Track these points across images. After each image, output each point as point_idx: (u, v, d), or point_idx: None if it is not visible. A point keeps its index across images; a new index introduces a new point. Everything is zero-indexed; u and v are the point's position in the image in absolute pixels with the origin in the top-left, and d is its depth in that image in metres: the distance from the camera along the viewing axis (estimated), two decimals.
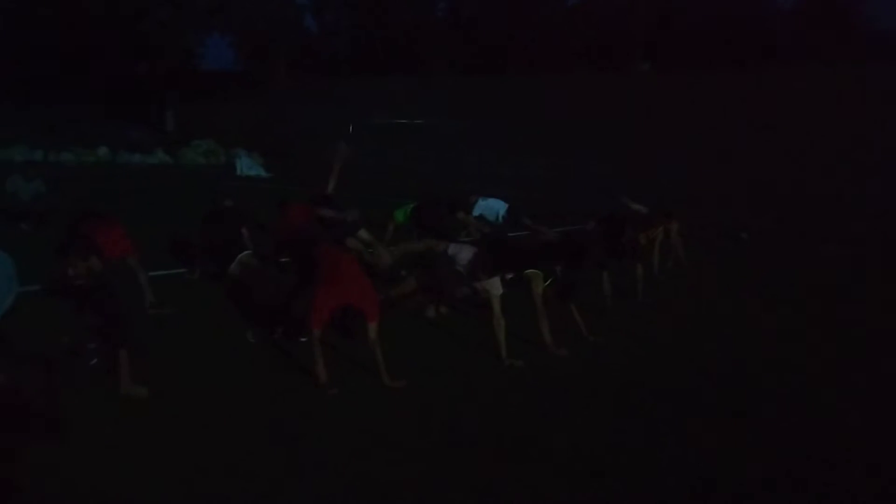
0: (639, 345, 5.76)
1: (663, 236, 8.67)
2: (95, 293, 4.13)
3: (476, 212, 10.70)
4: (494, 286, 4.95)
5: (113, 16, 26.84)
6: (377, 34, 46.59)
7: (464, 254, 5.15)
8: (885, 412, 4.56)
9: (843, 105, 25.09)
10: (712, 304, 7.39)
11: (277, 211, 7.44)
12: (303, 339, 4.84)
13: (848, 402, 4.69)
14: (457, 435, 3.87)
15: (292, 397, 4.26)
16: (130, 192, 14.76)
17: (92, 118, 28.92)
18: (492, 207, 10.87)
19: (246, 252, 6.59)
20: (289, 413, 4.04)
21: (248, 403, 4.15)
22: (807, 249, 11.30)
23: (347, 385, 4.41)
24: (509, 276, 6.82)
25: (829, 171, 19.75)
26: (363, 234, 7.94)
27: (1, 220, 9.46)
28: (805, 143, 22.26)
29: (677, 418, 4.24)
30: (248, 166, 25.91)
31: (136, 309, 5.37)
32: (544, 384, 4.73)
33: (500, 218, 10.72)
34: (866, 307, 7.52)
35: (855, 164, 20.31)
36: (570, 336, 5.63)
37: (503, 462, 3.59)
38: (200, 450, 3.54)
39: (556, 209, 11.99)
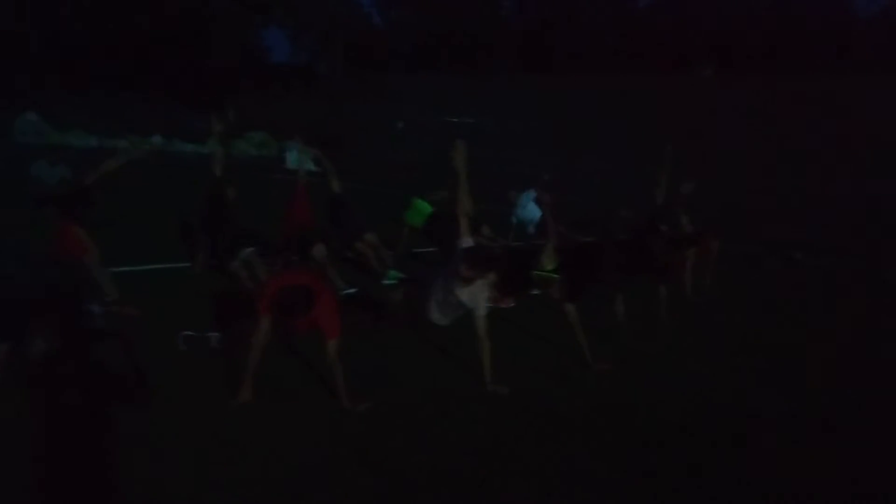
0: (645, 376, 5.11)
1: (698, 256, 7.92)
2: None
3: (518, 210, 10.21)
4: (479, 305, 4.41)
5: (175, 6, 27.32)
6: (439, 31, 46.34)
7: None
8: None
9: None
10: (744, 334, 6.62)
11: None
12: None
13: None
14: (395, 476, 3.36)
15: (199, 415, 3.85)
16: (167, 179, 14.82)
17: (156, 108, 29.62)
18: (528, 211, 10.34)
19: (249, 250, 6.26)
20: (204, 436, 3.62)
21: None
22: (873, 277, 10.27)
23: (298, 400, 4.00)
24: (511, 303, 6.33)
25: None
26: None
27: (27, 204, 9.47)
28: (884, 158, 20.72)
29: (666, 470, 3.63)
30: (297, 159, 25.98)
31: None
32: (522, 415, 4.17)
33: (533, 226, 10.19)
34: None
35: None
36: (572, 362, 5.07)
37: None
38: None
39: (605, 215, 11.22)
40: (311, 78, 38.11)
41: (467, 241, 4.54)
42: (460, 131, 29.94)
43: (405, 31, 49.53)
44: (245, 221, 6.77)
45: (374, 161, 26.63)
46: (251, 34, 34.41)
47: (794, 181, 18.50)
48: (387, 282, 7.27)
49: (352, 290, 6.14)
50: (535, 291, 5.22)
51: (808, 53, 29.14)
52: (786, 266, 10.62)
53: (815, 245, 12.12)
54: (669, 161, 7.00)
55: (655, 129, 24.63)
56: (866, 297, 8.71)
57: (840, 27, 31.32)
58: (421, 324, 4.82)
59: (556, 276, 5.09)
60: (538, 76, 33.68)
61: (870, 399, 5.00)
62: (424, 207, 8.09)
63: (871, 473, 3.84)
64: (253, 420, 3.77)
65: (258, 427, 3.70)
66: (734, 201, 15.94)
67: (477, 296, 4.41)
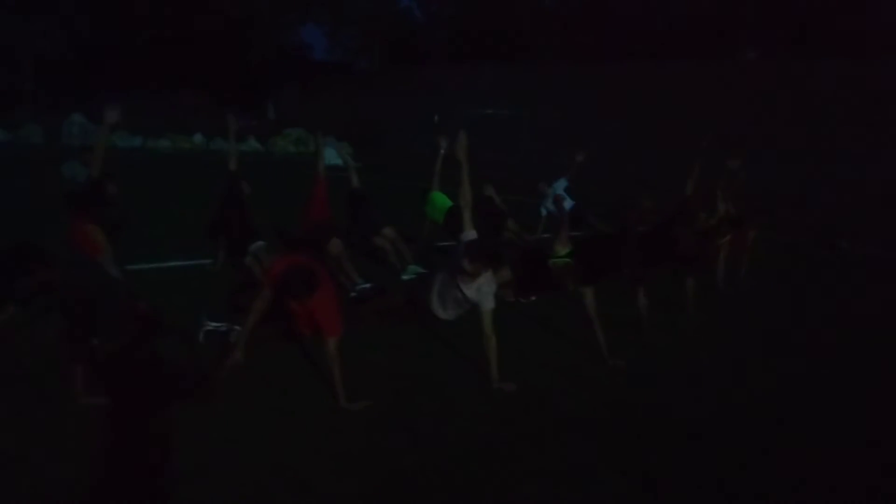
0: (664, 373, 4.90)
1: (732, 245, 7.58)
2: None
3: (547, 202, 9.99)
4: (485, 300, 4.27)
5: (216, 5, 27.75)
6: (480, 22, 46.01)
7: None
8: None
9: None
10: (776, 331, 6.28)
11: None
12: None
13: None
14: (394, 476, 3.27)
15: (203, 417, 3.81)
16: (203, 177, 15.02)
17: (199, 107, 30.17)
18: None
19: (259, 244, 6.24)
20: (202, 432, 3.58)
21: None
22: None
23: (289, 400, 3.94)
24: (532, 297, 6.16)
25: None
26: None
27: (61, 205, 9.67)
28: None
29: (680, 474, 3.44)
30: (334, 155, 26.15)
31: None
32: (527, 414, 4.02)
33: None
34: None
35: None
36: (584, 358, 4.91)
37: None
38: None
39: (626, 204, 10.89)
40: (350, 74, 38.32)
41: (470, 234, 4.41)
42: (496, 123, 29.70)
43: (445, 23, 49.29)
44: (268, 217, 6.73)
45: (411, 155, 26.65)
46: (290, 32, 34.72)
47: (830, 166, 17.73)
48: (406, 276, 7.19)
49: (367, 285, 6.06)
50: (556, 288, 5.03)
51: (844, 36, 27.94)
52: (830, 255, 10.15)
53: (861, 233, 11.56)
54: (705, 150, 6.73)
55: (693, 116, 23.96)
56: None
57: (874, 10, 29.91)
58: (427, 319, 4.70)
59: (569, 260, 4.90)
60: (578, 65, 33.05)
61: None
62: (443, 201, 7.95)
63: None
64: (252, 417, 3.73)
65: (256, 424, 3.65)
66: (771, 187, 15.32)
67: (482, 290, 4.27)
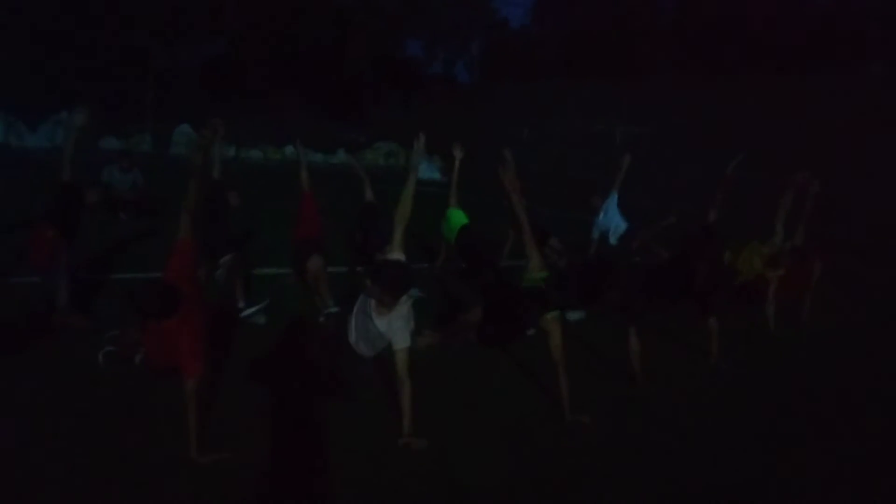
0: (630, 441, 3.91)
1: (791, 280, 6.38)
2: None
3: (601, 216, 9.03)
4: (398, 337, 3.55)
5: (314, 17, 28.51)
6: (590, 36, 44.81)
7: None
8: None
9: None
10: (817, 402, 5.02)
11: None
12: None
13: None
14: None
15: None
16: (281, 188, 15.08)
17: (296, 118, 31.07)
18: (610, 219, 9.12)
19: (227, 257, 5.81)
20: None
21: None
22: None
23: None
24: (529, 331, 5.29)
25: None
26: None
27: (102, 210, 9.83)
28: None
29: None
30: (425, 169, 26.02)
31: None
32: (423, 485, 3.25)
33: (616, 237, 8.95)
34: None
35: None
36: (546, 410, 4.06)
37: None
38: None
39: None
40: (447, 87, 38.34)
41: (394, 255, 3.71)
42: (586, 139, 28.46)
43: (549, 37, 48.47)
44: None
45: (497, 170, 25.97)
46: (388, 44, 35.17)
47: None
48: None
49: (335, 309, 5.47)
50: (530, 332, 4.15)
51: None
52: None
53: None
54: (735, 171, 5.67)
55: (822, 135, 21.75)
56: None
57: None
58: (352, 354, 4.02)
59: (542, 284, 4.04)
60: (689, 77, 31.24)
61: None
62: (458, 219, 7.23)
63: None
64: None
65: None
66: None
67: (393, 326, 3.56)
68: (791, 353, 5.82)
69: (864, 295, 8.53)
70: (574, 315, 6.17)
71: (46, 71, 26.95)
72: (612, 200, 9.08)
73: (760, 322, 6.27)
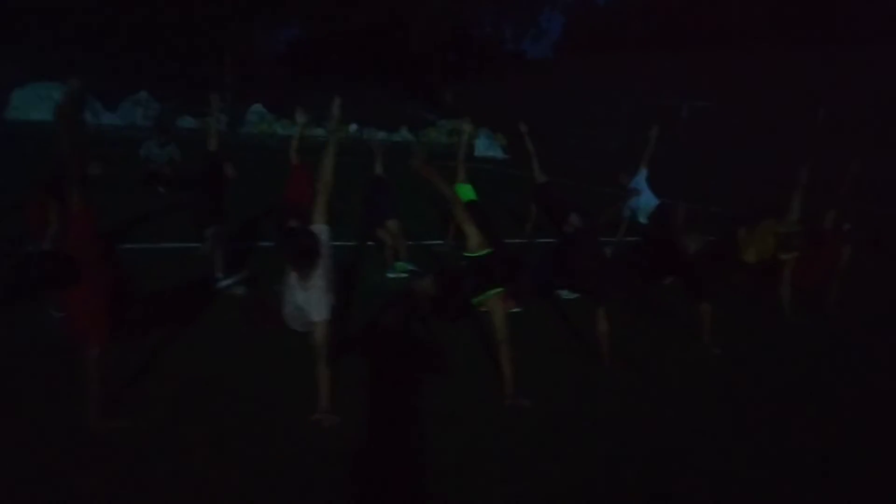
0: (573, 430, 3.67)
1: (811, 264, 5.85)
2: None
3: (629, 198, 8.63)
4: (314, 310, 3.46)
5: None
6: (672, 6, 42.84)
7: None
8: None
9: None
10: (816, 402, 4.60)
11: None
12: None
13: None
14: None
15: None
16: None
17: (363, 95, 31.34)
18: (641, 198, 8.68)
19: (214, 228, 5.84)
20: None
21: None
22: None
23: None
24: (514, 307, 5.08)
25: None
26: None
27: (142, 183, 10.21)
28: None
29: None
30: (486, 147, 25.78)
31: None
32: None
33: (646, 216, 8.52)
34: None
35: None
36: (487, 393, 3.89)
37: None
38: None
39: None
40: (521, 63, 37.65)
41: (316, 228, 3.60)
42: (656, 115, 27.17)
43: (626, 9, 46.61)
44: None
45: (571, 148, 25.39)
46: (457, 20, 34.77)
47: None
48: (392, 275, 6.48)
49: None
50: (484, 309, 3.95)
51: None
52: None
53: None
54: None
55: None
56: None
57: None
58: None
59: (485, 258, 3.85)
60: (782, 50, 29.35)
61: None
62: (466, 194, 7.03)
63: None
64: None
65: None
66: None
67: (311, 298, 3.47)
68: (796, 344, 5.33)
69: None
70: (567, 294, 5.93)
71: (128, 56, 28.29)
72: (641, 176, 8.63)
73: (778, 307, 5.80)
